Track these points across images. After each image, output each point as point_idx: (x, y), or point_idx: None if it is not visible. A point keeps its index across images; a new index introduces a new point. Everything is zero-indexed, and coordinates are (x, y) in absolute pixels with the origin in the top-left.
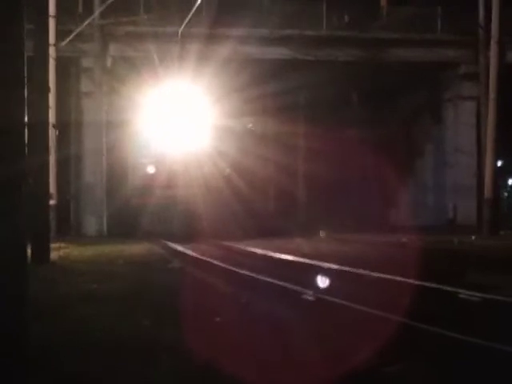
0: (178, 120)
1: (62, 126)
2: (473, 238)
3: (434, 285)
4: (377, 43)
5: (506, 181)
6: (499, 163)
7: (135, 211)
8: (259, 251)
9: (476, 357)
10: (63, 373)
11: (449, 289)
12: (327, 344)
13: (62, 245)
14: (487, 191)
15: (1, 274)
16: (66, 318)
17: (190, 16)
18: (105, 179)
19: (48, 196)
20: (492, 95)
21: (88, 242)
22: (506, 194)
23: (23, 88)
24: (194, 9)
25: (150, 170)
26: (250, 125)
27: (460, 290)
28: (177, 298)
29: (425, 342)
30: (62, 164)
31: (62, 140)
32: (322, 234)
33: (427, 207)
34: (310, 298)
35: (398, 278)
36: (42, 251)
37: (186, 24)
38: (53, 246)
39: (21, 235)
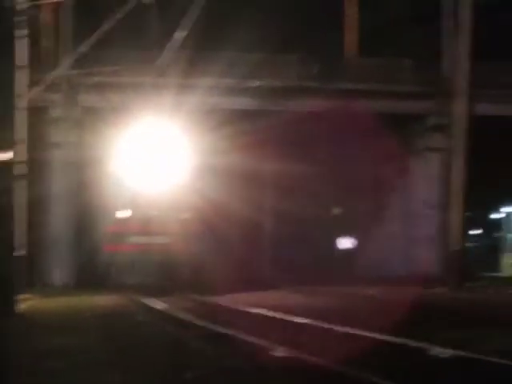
0: (153, 160)
1: (31, 175)
2: (440, 289)
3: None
4: (345, 94)
5: (471, 231)
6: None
7: (106, 260)
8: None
9: None
10: None
11: (417, 344)
12: None
13: (29, 296)
14: (454, 243)
15: None
16: (35, 373)
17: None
18: (73, 228)
19: (12, 245)
20: (460, 147)
21: (55, 293)
22: (470, 244)
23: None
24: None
25: (124, 214)
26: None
27: (428, 346)
28: (146, 352)
29: None
30: (31, 214)
31: (30, 190)
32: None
33: (394, 257)
34: (279, 355)
35: (367, 333)
36: (9, 304)
37: (157, 75)
38: (20, 297)
39: None
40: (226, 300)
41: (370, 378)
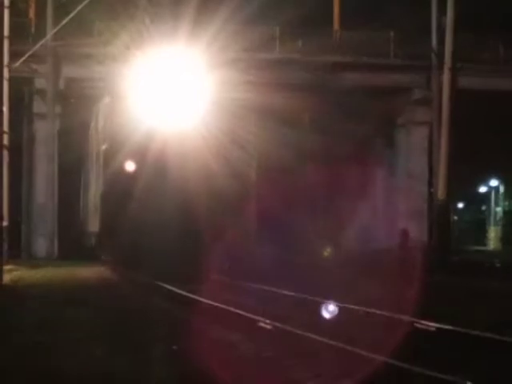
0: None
1: (14, 146)
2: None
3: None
4: (329, 67)
5: (456, 204)
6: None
7: (103, 229)
8: None
9: None
10: None
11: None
12: None
13: (13, 267)
14: (438, 216)
15: None
16: (22, 345)
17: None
18: (57, 199)
19: (1, 217)
20: (444, 120)
21: (40, 264)
22: (455, 218)
23: None
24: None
25: (128, 166)
26: None
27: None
28: (132, 325)
29: None
30: (14, 185)
31: (13, 161)
32: None
33: (378, 231)
34: (267, 327)
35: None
36: None
37: (140, 46)
38: (4, 268)
39: None
40: None
41: None
